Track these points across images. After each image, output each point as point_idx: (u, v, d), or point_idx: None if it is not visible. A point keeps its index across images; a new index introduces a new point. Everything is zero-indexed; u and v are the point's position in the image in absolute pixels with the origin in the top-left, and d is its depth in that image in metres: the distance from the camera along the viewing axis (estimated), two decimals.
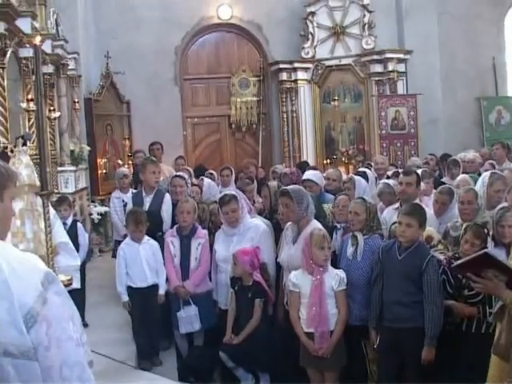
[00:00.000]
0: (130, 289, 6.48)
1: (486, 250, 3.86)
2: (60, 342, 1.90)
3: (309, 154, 14.29)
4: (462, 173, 8.90)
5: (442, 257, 4.93)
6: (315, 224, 5.79)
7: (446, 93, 14.07)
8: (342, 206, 6.20)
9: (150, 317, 6.41)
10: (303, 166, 10.75)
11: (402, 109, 13.22)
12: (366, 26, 13.96)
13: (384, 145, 13.21)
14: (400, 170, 8.18)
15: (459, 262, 4.03)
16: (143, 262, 6.45)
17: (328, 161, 13.42)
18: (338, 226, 6.23)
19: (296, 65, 14.18)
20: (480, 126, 14.96)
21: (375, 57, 13.68)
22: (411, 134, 13.23)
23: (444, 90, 14.03)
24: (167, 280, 6.47)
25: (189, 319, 6.25)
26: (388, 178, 8.71)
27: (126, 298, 6.49)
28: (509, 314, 3.83)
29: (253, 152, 14.69)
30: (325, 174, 8.63)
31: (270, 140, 14.94)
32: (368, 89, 13.91)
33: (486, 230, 5.13)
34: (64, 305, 1.98)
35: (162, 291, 6.46)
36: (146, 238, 6.60)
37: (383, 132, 13.25)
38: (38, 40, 3.71)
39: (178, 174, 7.66)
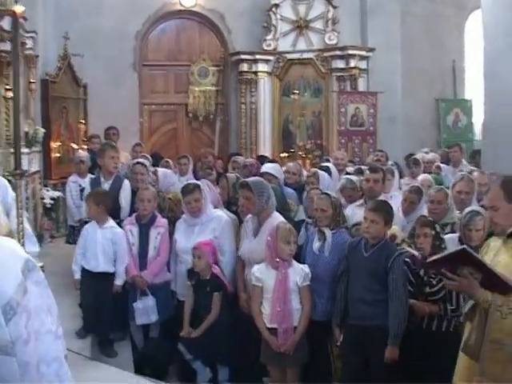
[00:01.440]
0: (84, 270, 6.25)
1: (464, 246, 3.79)
2: (39, 336, 1.73)
3: (266, 147, 14.18)
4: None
5: (416, 252, 4.88)
6: (277, 217, 5.73)
7: (406, 92, 14.09)
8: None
9: (100, 305, 6.16)
10: (262, 161, 10.67)
11: (361, 106, 13.20)
12: (330, 21, 13.88)
13: (342, 141, 13.17)
14: (364, 167, 8.16)
15: (436, 257, 3.97)
16: (97, 247, 6.21)
17: (285, 154, 13.32)
18: (310, 220, 6.15)
19: (257, 56, 14.03)
20: (437, 127, 15.10)
21: (337, 52, 13.61)
22: (370, 131, 13.23)
23: (404, 89, 14.05)
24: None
25: (145, 310, 6.09)
26: (347, 174, 8.70)
27: (77, 276, 6.26)
28: (480, 313, 3.80)
29: (209, 142, 14.47)
30: (284, 168, 8.56)
31: (226, 131, 14.78)
32: (329, 84, 13.84)
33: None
34: (43, 295, 1.81)
35: (118, 282, 6.21)
36: (111, 223, 6.34)
37: (342, 128, 13.21)
38: (18, 10, 3.50)
39: (139, 160, 7.46)
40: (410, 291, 5.01)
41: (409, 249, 4.92)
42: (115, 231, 6.30)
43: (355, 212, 6.29)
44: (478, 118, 14.59)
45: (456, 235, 5.47)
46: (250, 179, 5.89)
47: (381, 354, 4.85)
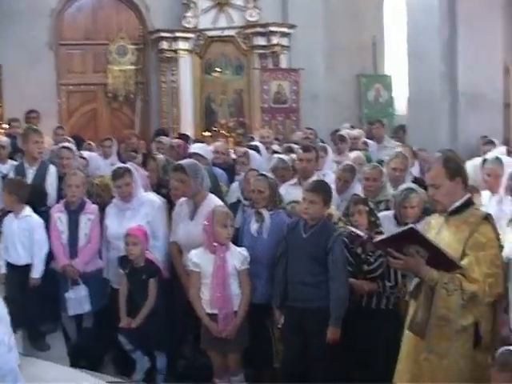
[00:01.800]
0: (8, 264, 6.00)
1: (411, 225, 3.78)
2: None
3: (188, 126, 13.92)
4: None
5: (361, 233, 4.86)
6: (212, 199, 5.63)
7: (328, 69, 14.09)
8: None
9: (26, 298, 5.90)
10: (185, 140, 10.50)
11: (284, 83, 13.08)
12: None
13: (266, 118, 13.05)
14: (294, 145, 8.13)
15: (383, 237, 3.95)
16: (15, 239, 5.96)
17: (208, 133, 13.16)
18: (246, 202, 6.06)
19: (177, 34, 13.72)
20: (359, 103, 15.18)
21: (259, 29, 13.52)
22: (293, 108, 13.13)
23: (326, 65, 14.05)
24: (53, 259, 6.03)
25: (78, 300, 5.87)
26: (274, 152, 8.64)
27: (2, 270, 6.00)
28: (426, 291, 3.82)
29: (130, 123, 14.16)
30: (212, 148, 8.43)
31: (147, 111, 14.44)
32: (250, 61, 13.74)
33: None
34: None
35: (35, 274, 5.93)
36: (27, 212, 6.05)
37: (265, 105, 13.07)
38: None
39: (65, 145, 7.19)
40: (349, 270, 4.99)
41: (354, 229, 4.89)
42: (30, 220, 6.03)
43: (289, 191, 6.24)
44: (398, 93, 14.80)
45: (391, 212, 5.50)
46: (184, 162, 5.75)
47: (322, 335, 4.81)
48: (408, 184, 5.63)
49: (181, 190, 5.58)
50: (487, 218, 3.91)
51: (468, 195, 4.04)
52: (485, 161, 6.17)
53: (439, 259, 3.74)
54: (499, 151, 6.66)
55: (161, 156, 7.53)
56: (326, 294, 4.84)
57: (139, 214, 5.81)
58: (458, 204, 3.96)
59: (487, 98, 8.41)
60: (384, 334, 4.85)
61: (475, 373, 3.87)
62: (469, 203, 4.01)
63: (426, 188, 5.75)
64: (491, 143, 7.68)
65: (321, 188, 5.03)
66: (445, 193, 3.95)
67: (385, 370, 4.55)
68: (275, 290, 5.16)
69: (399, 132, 10.82)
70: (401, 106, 14.17)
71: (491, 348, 3.95)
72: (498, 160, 5.66)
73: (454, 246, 3.85)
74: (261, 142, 9.39)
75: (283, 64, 13.69)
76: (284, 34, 13.67)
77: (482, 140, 7.89)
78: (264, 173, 5.87)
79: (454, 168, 3.98)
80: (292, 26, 13.69)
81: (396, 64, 14.86)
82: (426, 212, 5.46)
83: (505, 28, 8.73)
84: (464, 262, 3.76)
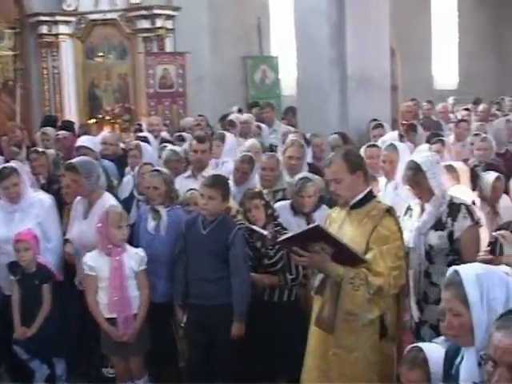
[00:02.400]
0: None
1: (317, 223, 3.75)
2: None
3: (72, 113, 13.53)
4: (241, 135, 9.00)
5: (265, 232, 4.80)
6: (107, 198, 5.44)
7: (214, 51, 14.00)
8: None
9: None
10: (69, 126, 10.13)
11: (170, 67, 12.89)
12: None
13: (152, 103, 12.84)
14: (185, 134, 7.98)
15: (289, 235, 3.91)
16: None
17: (93, 120, 12.79)
18: (141, 197, 5.87)
19: (57, 18, 13.25)
20: (245, 85, 15.19)
21: (142, 12, 13.20)
22: (179, 92, 12.98)
23: (212, 48, 13.96)
24: None
25: None
26: (163, 141, 8.46)
27: None
28: (332, 287, 3.81)
29: (10, 112, 13.50)
30: (100, 138, 8.16)
31: (28, 98, 13.84)
32: (134, 45, 13.42)
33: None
34: None
35: None
36: None
37: (151, 90, 12.86)
38: None
39: None
40: (250, 265, 4.94)
41: (257, 228, 4.81)
42: None
43: (184, 185, 6.09)
44: (285, 75, 14.85)
45: (287, 202, 5.46)
46: (77, 160, 5.51)
47: (227, 331, 4.75)
48: (304, 173, 5.62)
49: (73, 189, 5.38)
50: (389, 210, 3.93)
51: (369, 188, 4.06)
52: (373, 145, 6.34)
53: (344, 255, 3.75)
54: (391, 136, 6.75)
55: (51, 150, 7.22)
56: (229, 290, 4.77)
57: (29, 216, 5.50)
58: (359, 197, 3.97)
59: (375, 81, 8.50)
60: (287, 327, 4.83)
61: (383, 363, 3.94)
62: (370, 196, 4.02)
63: (321, 175, 5.86)
64: (381, 126, 7.79)
65: (219, 183, 4.92)
66: (346, 187, 3.95)
67: (289, 364, 4.61)
68: (176, 288, 5.04)
69: (289, 114, 10.85)
70: (288, 87, 14.25)
71: (396, 338, 4.05)
72: (392, 146, 5.72)
73: (358, 240, 3.86)
74: (149, 131, 9.22)
75: (168, 47, 13.48)
76: (168, 17, 13.42)
77: (372, 124, 8.00)
78: (158, 168, 5.72)
79: (354, 162, 3.98)
80: (176, 9, 13.46)
81: (283, 45, 14.91)
82: (322, 200, 5.51)
83: (391, 10, 8.81)
84: (368, 256, 3.79)
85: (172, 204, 5.38)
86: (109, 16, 13.39)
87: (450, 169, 5.39)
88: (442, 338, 3.39)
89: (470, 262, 2.90)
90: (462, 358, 2.66)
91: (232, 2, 14.49)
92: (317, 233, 3.67)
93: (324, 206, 5.37)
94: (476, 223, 4.24)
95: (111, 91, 13.65)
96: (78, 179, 5.25)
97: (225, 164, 6.72)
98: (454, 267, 2.64)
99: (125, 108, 13.30)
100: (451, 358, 2.80)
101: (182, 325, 5.06)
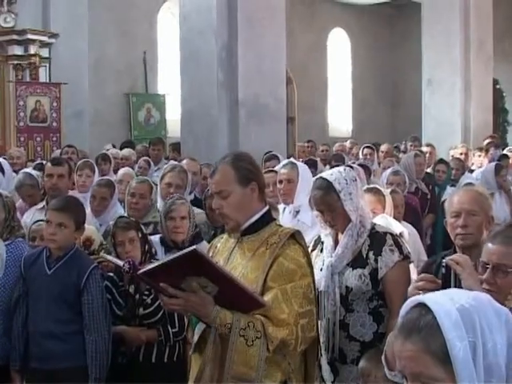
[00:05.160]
0: None
1: (194, 246, 2.60)
2: None
3: None
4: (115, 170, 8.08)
5: (120, 262, 3.68)
6: None
7: (94, 85, 13.07)
8: None
9: None
10: None
11: (43, 99, 11.90)
12: (6, 1, 12.36)
13: (22, 139, 11.79)
14: (45, 162, 6.84)
15: (151, 266, 2.73)
16: None
17: None
18: None
19: None
20: (128, 123, 14.34)
21: (14, 37, 12.24)
22: (53, 127, 12.01)
23: (92, 81, 13.03)
24: None
25: None
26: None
27: None
28: (215, 341, 2.74)
29: None
30: None
31: None
32: (4, 73, 12.36)
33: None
34: None
35: None
36: None
37: (21, 124, 11.82)
38: None
39: None
40: (119, 316, 3.97)
41: (110, 257, 3.66)
42: None
43: (36, 217, 4.96)
44: (171, 115, 14.00)
45: (157, 236, 4.51)
46: None
47: None
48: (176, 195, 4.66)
49: None
50: (294, 236, 2.87)
51: (266, 208, 3.00)
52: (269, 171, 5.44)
53: (233, 295, 2.68)
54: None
55: None
56: (82, 349, 3.78)
57: None
58: (254, 219, 2.91)
59: (269, 109, 7.64)
60: None
61: None
62: (268, 218, 2.97)
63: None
64: (275, 158, 6.91)
65: (71, 206, 3.89)
66: (236, 204, 2.88)
67: None
68: (13, 346, 3.95)
69: (174, 152, 9.93)
70: (175, 128, 13.38)
71: None
72: (291, 164, 4.99)
73: (252, 276, 2.82)
74: (11, 164, 8.02)
75: (42, 77, 12.58)
76: (44, 44, 12.61)
77: (266, 155, 7.10)
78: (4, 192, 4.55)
79: (247, 170, 2.93)
80: (54, 35, 12.65)
81: (170, 83, 14.12)
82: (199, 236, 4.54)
83: (287, 33, 8.05)
84: (267, 299, 2.73)
85: (13, 236, 4.27)
86: None
87: (375, 191, 4.52)
88: None
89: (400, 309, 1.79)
90: None
91: (116, 32, 13.64)
92: (195, 262, 2.56)
93: (204, 242, 4.45)
94: (405, 257, 3.32)
95: None
96: None
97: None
98: (416, 297, 1.57)
99: None
100: None
101: None
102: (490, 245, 2.52)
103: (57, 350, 3.76)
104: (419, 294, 1.82)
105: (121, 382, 3.83)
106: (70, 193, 5.84)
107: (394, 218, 4.83)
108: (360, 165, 6.65)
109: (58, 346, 3.77)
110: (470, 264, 2.30)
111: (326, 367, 3.36)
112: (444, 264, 2.20)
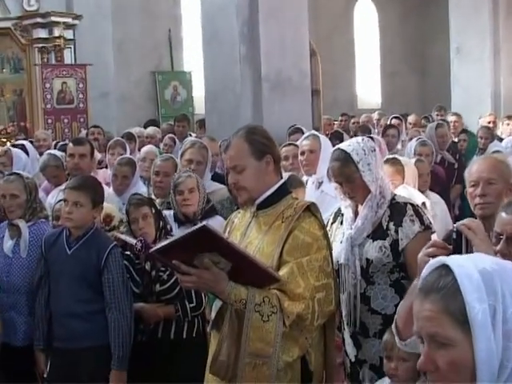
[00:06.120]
0: None
1: (204, 223, 2.57)
2: None
3: None
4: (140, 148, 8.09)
5: (133, 241, 3.69)
6: None
7: (119, 65, 13.01)
8: None
9: None
10: None
11: (69, 80, 11.89)
12: None
13: (49, 121, 11.79)
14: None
15: (165, 242, 2.70)
16: None
17: None
18: None
19: None
20: (155, 102, 14.36)
21: (39, 20, 12.10)
22: (80, 108, 12.01)
23: (117, 61, 12.94)
24: None
25: None
26: None
27: None
28: (231, 317, 2.72)
29: None
30: None
31: None
32: (30, 57, 12.27)
33: None
34: None
35: None
36: None
37: (48, 106, 11.82)
38: None
39: None
40: (136, 293, 3.94)
41: (123, 236, 3.65)
42: None
43: (60, 197, 4.92)
44: (198, 92, 13.97)
45: (170, 212, 4.49)
46: None
47: (101, 380, 3.72)
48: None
49: None
50: (310, 208, 2.83)
51: (282, 181, 2.96)
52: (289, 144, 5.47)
53: (247, 271, 2.65)
54: None
55: None
56: (104, 328, 3.78)
57: None
58: (269, 193, 2.88)
59: (293, 83, 7.56)
60: (189, 372, 3.72)
61: None
62: (284, 191, 2.93)
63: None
64: (299, 131, 6.83)
65: (88, 184, 3.89)
66: (250, 177, 2.85)
67: None
68: (36, 326, 4.00)
69: (202, 126, 9.94)
70: (202, 105, 13.35)
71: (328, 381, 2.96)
72: (313, 135, 4.95)
73: (267, 250, 2.80)
74: (37, 146, 8.05)
75: (67, 59, 12.42)
76: (68, 26, 12.41)
77: (290, 129, 7.03)
78: (19, 172, 4.57)
79: (261, 143, 2.90)
80: (77, 17, 12.45)
81: (196, 60, 14.07)
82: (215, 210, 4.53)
83: (311, 5, 7.95)
84: (283, 273, 2.70)
85: (36, 217, 4.32)
86: (2, 25, 12.19)
87: (393, 162, 4.44)
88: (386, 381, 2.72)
89: None
90: None
91: (140, 11, 13.64)
92: (205, 238, 2.52)
93: (218, 217, 4.40)
94: (427, 228, 3.24)
95: (5, 109, 12.44)
96: None
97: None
98: (439, 259, 1.53)
99: (20, 127, 12.22)
100: None
101: (45, 376, 4.00)
102: (503, 214, 2.44)
103: (79, 329, 3.78)
104: (429, 260, 1.77)
105: (142, 361, 3.82)
106: (100, 172, 5.91)
107: (419, 186, 4.77)
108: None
109: (80, 325, 3.78)
110: (483, 229, 2.21)
111: (348, 341, 3.33)
112: (455, 229, 2.12)
